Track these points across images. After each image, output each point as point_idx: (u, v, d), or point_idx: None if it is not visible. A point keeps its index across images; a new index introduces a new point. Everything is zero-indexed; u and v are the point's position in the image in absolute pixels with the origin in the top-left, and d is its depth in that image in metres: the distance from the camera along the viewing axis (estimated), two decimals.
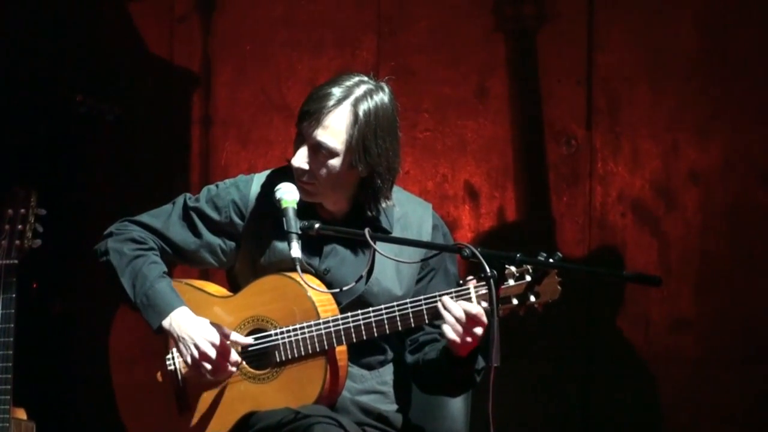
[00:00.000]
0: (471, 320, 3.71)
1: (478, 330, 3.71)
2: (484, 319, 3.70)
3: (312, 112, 3.82)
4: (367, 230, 3.79)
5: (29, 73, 5.80)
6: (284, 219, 3.83)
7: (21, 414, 4.55)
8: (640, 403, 5.68)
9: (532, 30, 5.75)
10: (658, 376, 5.67)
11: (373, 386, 3.99)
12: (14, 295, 4.37)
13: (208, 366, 3.85)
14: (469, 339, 3.72)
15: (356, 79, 3.86)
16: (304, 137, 3.84)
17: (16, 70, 5.79)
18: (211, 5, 5.90)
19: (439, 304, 3.74)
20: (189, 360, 3.86)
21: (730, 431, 5.64)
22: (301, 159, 3.85)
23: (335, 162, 3.85)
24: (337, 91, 3.82)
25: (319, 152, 3.84)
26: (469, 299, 3.73)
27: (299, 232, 3.80)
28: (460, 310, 3.71)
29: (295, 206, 3.85)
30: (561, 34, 5.72)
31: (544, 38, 5.73)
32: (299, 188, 3.88)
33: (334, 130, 3.82)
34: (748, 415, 5.60)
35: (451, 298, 3.74)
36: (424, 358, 3.95)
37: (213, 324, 3.87)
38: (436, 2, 5.78)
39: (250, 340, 3.89)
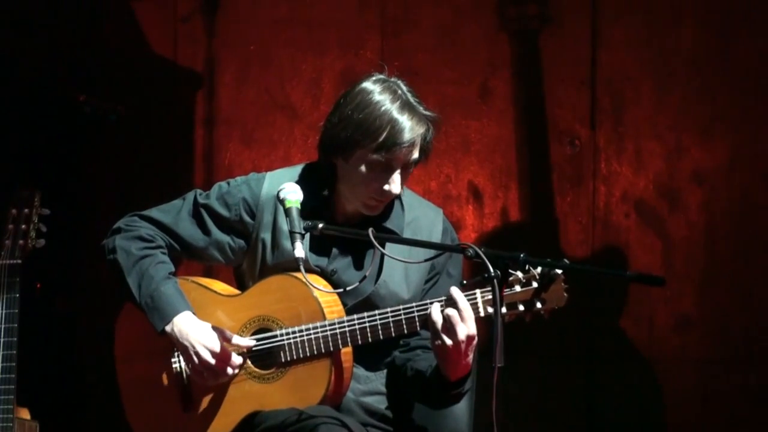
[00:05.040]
0: (445, 322, 3.71)
1: (460, 331, 3.70)
2: (458, 327, 3.69)
3: (408, 141, 3.83)
4: (370, 230, 3.80)
5: (33, 73, 5.81)
6: (288, 219, 3.83)
7: (24, 413, 4.56)
8: (644, 403, 5.67)
9: (536, 30, 5.75)
10: (662, 375, 5.67)
11: (377, 387, 3.99)
12: (17, 295, 4.38)
13: (208, 373, 3.87)
14: (449, 341, 3.71)
15: (405, 88, 3.89)
16: (394, 165, 3.85)
17: (20, 69, 5.79)
18: (215, 5, 5.90)
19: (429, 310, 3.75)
20: (190, 366, 3.89)
21: (734, 431, 5.63)
22: (399, 185, 3.88)
23: (412, 170, 3.94)
24: (418, 112, 3.85)
25: (409, 169, 3.90)
26: (475, 305, 3.73)
27: (303, 231, 3.81)
28: (440, 316, 3.72)
29: (299, 206, 3.84)
30: (564, 34, 5.72)
31: (547, 38, 5.73)
32: (370, 207, 3.91)
33: (420, 145, 3.89)
34: (751, 414, 5.60)
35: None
36: (413, 365, 3.94)
37: (215, 328, 3.88)
38: (440, 3, 5.78)
39: (251, 342, 3.89)
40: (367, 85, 3.89)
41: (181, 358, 3.94)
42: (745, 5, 5.59)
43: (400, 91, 3.87)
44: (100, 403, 5.61)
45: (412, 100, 3.87)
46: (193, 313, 3.91)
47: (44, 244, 4.47)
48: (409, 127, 3.83)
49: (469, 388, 3.87)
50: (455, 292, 3.73)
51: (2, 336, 4.38)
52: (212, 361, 3.85)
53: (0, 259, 4.42)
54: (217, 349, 3.85)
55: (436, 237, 4.01)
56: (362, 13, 5.83)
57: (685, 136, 5.66)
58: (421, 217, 4.03)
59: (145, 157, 5.91)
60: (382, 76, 3.92)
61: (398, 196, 3.95)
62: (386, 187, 3.86)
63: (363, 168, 3.86)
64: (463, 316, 3.70)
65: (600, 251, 5.70)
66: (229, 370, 3.88)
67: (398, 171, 3.87)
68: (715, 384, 5.61)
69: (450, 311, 3.71)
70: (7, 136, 5.70)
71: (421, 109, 3.87)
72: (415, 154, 3.88)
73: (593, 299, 5.62)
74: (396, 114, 3.83)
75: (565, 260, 3.71)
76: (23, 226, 4.45)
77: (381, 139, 3.82)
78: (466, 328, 3.70)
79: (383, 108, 3.83)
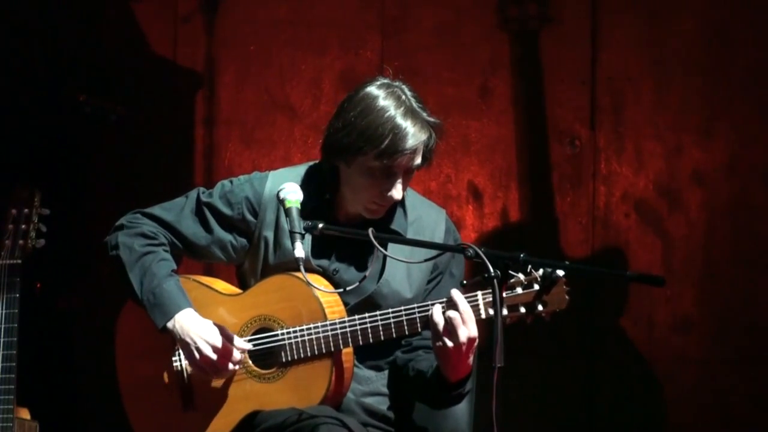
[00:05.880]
0: (447, 325, 3.72)
1: (462, 333, 3.70)
2: (459, 330, 3.70)
3: (411, 148, 3.83)
4: (370, 230, 3.80)
5: (33, 73, 5.80)
6: (288, 219, 3.83)
7: (24, 413, 4.56)
8: (644, 403, 5.68)
9: (536, 30, 5.75)
10: (662, 375, 5.67)
11: (378, 388, 4.00)
12: (18, 295, 4.38)
13: (209, 368, 3.88)
14: (450, 343, 3.72)
15: (410, 93, 3.88)
16: (395, 171, 3.85)
17: (20, 69, 5.79)
18: (215, 6, 5.90)
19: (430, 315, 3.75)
20: (191, 362, 3.89)
21: (734, 431, 5.63)
22: (400, 191, 3.88)
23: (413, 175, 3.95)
24: (421, 118, 3.84)
25: (410, 175, 3.90)
26: (476, 307, 3.73)
27: (303, 231, 3.81)
28: (441, 318, 3.73)
29: (299, 206, 3.85)
30: (564, 34, 5.72)
31: (547, 38, 5.73)
32: (371, 211, 3.91)
33: (422, 151, 3.88)
34: (751, 414, 5.60)
35: None
36: (415, 366, 3.95)
37: (216, 325, 3.89)
38: (440, 2, 5.78)
39: (249, 345, 3.90)
40: (372, 90, 3.88)
41: (181, 357, 3.95)
42: (745, 5, 5.60)
43: (404, 97, 3.87)
44: (100, 403, 5.60)
45: (415, 105, 3.87)
46: (195, 311, 3.91)
47: (44, 244, 4.47)
48: (412, 134, 3.82)
49: (470, 389, 3.87)
50: (456, 294, 3.73)
51: (2, 336, 4.38)
52: (213, 356, 3.85)
53: (0, 259, 4.42)
54: (219, 344, 3.85)
55: (439, 237, 4.02)
56: (362, 13, 5.83)
57: (685, 136, 5.66)
58: (423, 216, 4.03)
59: (145, 157, 5.90)
60: (386, 81, 3.91)
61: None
62: (386, 192, 3.87)
63: (365, 174, 3.86)
64: (464, 318, 3.71)
65: (600, 251, 5.70)
66: (230, 366, 3.88)
67: (399, 177, 3.87)
68: (715, 384, 5.62)
69: (451, 313, 3.71)
70: (7, 136, 5.70)
71: (424, 115, 3.87)
72: (417, 161, 3.88)
73: (593, 299, 5.62)
74: (399, 121, 3.82)
75: (566, 261, 3.72)
76: (23, 226, 4.45)
77: (383, 146, 3.81)
78: (467, 330, 3.71)
79: (387, 114, 3.83)
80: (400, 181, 3.87)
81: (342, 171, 3.93)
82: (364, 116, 3.83)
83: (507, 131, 5.77)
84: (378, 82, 3.90)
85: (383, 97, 3.85)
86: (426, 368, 3.90)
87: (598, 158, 5.72)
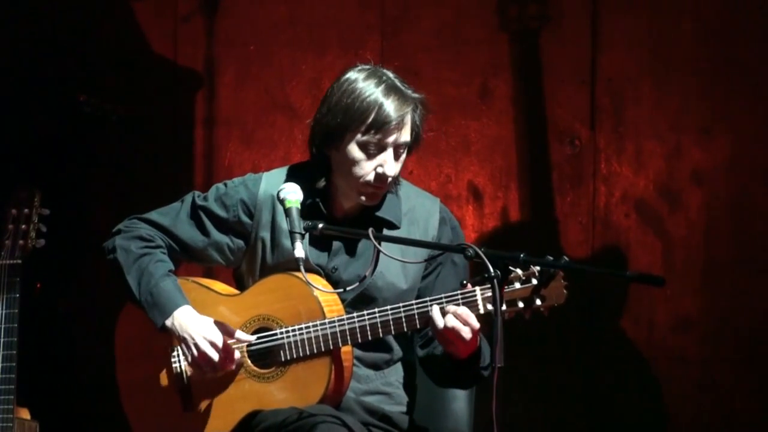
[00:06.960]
0: (450, 332, 3.73)
1: (465, 333, 3.72)
2: (463, 332, 3.71)
3: (396, 119, 3.85)
4: (371, 230, 3.80)
5: (33, 73, 5.81)
6: (288, 219, 3.84)
7: (24, 413, 4.57)
8: (644, 403, 5.67)
9: (536, 30, 5.75)
10: (662, 376, 5.67)
11: (378, 387, 4.00)
12: (18, 295, 4.39)
13: (209, 365, 3.88)
14: (458, 343, 3.74)
15: (391, 74, 3.92)
16: (384, 145, 3.86)
17: (20, 69, 5.79)
18: (215, 6, 5.90)
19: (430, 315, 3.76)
20: (190, 359, 3.90)
21: (734, 431, 5.63)
22: (392, 166, 3.89)
23: (405, 155, 3.93)
24: (404, 93, 3.87)
25: (400, 152, 3.91)
26: (475, 302, 3.73)
27: (303, 232, 3.81)
28: (442, 323, 3.74)
29: (299, 206, 3.85)
30: (565, 34, 5.72)
31: (547, 38, 5.73)
32: (368, 194, 3.91)
33: (409, 125, 3.89)
34: (751, 415, 5.60)
35: (457, 303, 3.75)
36: (433, 352, 3.97)
37: (216, 322, 3.90)
38: (440, 2, 5.78)
39: (252, 338, 3.90)
40: (352, 74, 3.93)
41: (181, 357, 3.96)
42: (745, 5, 5.60)
43: (384, 76, 3.91)
44: (100, 403, 5.60)
45: (398, 83, 3.91)
46: (192, 308, 3.91)
47: (44, 244, 4.48)
48: (396, 107, 3.85)
49: (489, 363, 3.86)
50: (451, 308, 3.73)
51: (2, 336, 4.39)
52: (212, 352, 3.86)
53: (0, 259, 4.43)
54: (218, 341, 3.86)
55: (433, 227, 4.03)
56: (362, 13, 5.83)
57: (685, 136, 5.66)
58: (417, 207, 4.04)
59: (145, 157, 5.91)
60: (367, 66, 3.96)
61: (393, 186, 3.95)
62: (379, 169, 3.87)
63: (355, 152, 3.87)
64: (466, 320, 3.72)
65: (600, 251, 5.70)
66: (229, 363, 3.88)
67: (390, 151, 3.87)
68: (715, 384, 5.61)
69: (453, 322, 3.72)
70: (7, 136, 5.70)
71: (409, 92, 3.90)
72: (406, 135, 3.89)
73: (593, 299, 5.62)
74: (382, 96, 3.85)
75: (565, 258, 3.71)
76: (23, 226, 4.46)
77: (370, 120, 3.84)
78: (470, 327, 3.73)
79: (369, 91, 3.86)
80: (391, 154, 3.87)
81: (333, 158, 3.94)
82: (347, 97, 3.87)
83: (507, 131, 5.77)
84: (358, 67, 3.96)
85: (363, 78, 3.90)
86: (441, 352, 3.92)
87: (598, 158, 5.72)
